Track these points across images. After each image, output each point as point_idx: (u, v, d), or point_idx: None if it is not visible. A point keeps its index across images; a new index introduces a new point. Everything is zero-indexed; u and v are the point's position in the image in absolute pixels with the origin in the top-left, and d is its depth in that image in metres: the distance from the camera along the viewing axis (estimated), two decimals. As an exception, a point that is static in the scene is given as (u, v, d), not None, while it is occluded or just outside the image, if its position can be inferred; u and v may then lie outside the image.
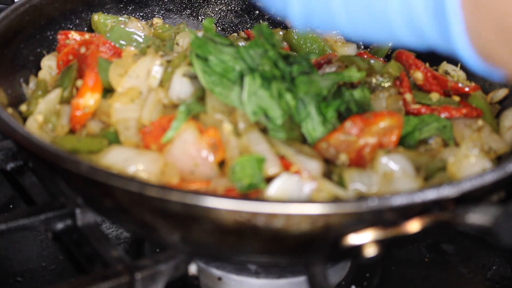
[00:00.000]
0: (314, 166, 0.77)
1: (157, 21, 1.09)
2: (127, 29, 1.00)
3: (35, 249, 0.96)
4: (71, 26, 1.05)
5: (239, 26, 1.19)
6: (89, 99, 0.86)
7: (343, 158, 0.79)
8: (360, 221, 0.66)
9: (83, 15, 1.07)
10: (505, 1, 0.51)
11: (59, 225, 0.76)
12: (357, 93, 0.86)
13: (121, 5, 1.11)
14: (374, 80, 0.91)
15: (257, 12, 1.20)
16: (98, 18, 1.05)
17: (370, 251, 0.65)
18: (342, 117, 0.84)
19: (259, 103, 0.80)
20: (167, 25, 1.07)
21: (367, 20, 0.60)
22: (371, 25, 0.60)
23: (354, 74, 0.87)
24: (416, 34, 0.59)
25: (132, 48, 0.93)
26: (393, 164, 0.78)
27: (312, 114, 0.82)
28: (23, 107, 0.89)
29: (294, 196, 0.74)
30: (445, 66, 1.01)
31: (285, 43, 1.06)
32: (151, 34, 1.04)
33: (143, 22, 1.05)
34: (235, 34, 1.17)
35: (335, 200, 0.73)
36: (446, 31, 0.56)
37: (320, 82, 0.84)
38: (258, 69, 0.82)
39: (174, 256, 0.72)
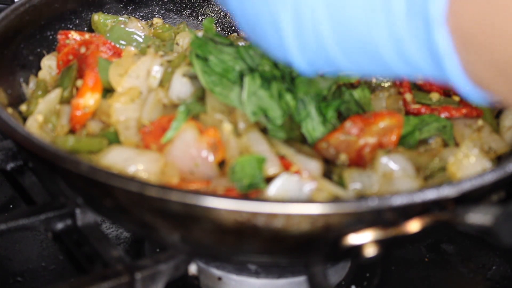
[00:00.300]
0: (314, 166, 0.77)
1: (157, 21, 1.09)
2: (127, 29, 1.00)
3: (35, 249, 0.96)
4: (71, 26, 1.05)
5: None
6: (89, 99, 0.86)
7: (343, 158, 0.79)
8: (360, 221, 0.66)
9: (83, 15, 1.07)
10: (499, 37, 0.51)
11: (59, 225, 0.76)
12: (357, 93, 0.86)
13: (121, 5, 1.11)
14: (374, 80, 0.91)
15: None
16: (98, 18, 1.05)
17: (370, 251, 0.65)
18: (342, 117, 0.84)
19: (259, 103, 0.80)
20: (167, 25, 1.07)
21: (364, 59, 0.60)
22: (369, 64, 0.61)
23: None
24: (412, 68, 0.59)
25: (132, 48, 0.93)
26: (393, 164, 0.78)
27: (312, 114, 0.82)
28: (23, 107, 0.89)
29: (294, 196, 0.74)
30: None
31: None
32: (151, 34, 1.04)
33: (143, 22, 1.05)
34: (235, 34, 1.17)
35: (335, 200, 0.73)
36: (440, 66, 0.56)
37: (320, 82, 0.84)
38: (258, 69, 0.82)
39: (174, 256, 0.72)
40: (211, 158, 0.77)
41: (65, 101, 0.89)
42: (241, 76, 0.82)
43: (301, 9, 0.60)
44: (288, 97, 0.82)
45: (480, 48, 0.53)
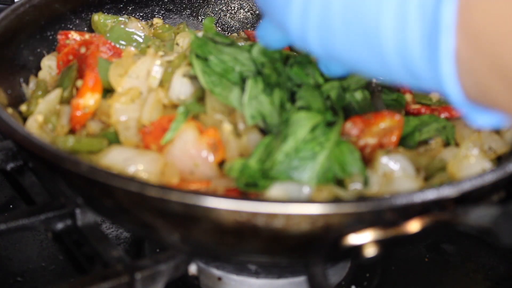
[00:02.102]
0: (314, 166, 0.77)
1: (157, 21, 1.09)
2: (127, 29, 1.00)
3: (35, 249, 0.96)
4: (71, 26, 1.05)
5: (240, 26, 1.19)
6: (89, 99, 0.86)
7: (343, 158, 0.79)
8: (360, 221, 0.66)
9: (83, 15, 1.07)
10: (503, 41, 0.51)
11: (59, 225, 0.76)
12: (358, 95, 0.86)
13: (121, 5, 1.11)
14: (374, 80, 0.91)
15: (257, 12, 1.20)
16: (98, 18, 1.05)
17: (370, 251, 0.65)
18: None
19: (258, 107, 0.80)
20: (167, 25, 1.07)
21: (365, 52, 0.60)
22: (369, 59, 0.61)
23: (360, 81, 0.87)
24: (412, 76, 0.59)
25: (132, 48, 0.93)
26: (393, 164, 0.78)
27: None
28: (23, 107, 0.89)
29: (294, 196, 0.74)
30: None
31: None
32: (151, 34, 1.04)
33: (143, 22, 1.05)
34: (235, 34, 1.17)
35: (335, 200, 0.73)
36: (439, 77, 0.56)
37: (322, 97, 0.82)
38: (263, 72, 0.82)
39: (174, 256, 0.72)
40: (211, 158, 0.77)
41: (65, 101, 0.89)
42: (241, 77, 0.82)
43: None
44: (289, 106, 0.81)
45: (490, 53, 0.53)
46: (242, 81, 0.82)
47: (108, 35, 0.99)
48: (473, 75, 0.54)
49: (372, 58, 0.60)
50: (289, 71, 0.85)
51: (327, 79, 0.84)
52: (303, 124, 0.75)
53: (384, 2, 0.57)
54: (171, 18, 1.16)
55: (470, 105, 0.57)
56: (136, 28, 1.01)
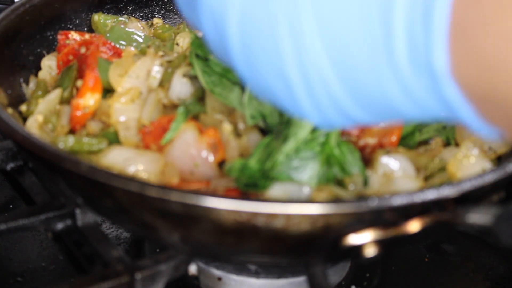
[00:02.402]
0: (314, 166, 0.77)
1: (157, 21, 1.09)
2: (127, 29, 1.00)
3: (35, 249, 0.96)
4: (71, 26, 1.05)
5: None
6: (89, 99, 0.86)
7: (343, 158, 0.79)
8: (360, 221, 0.66)
9: (83, 15, 1.07)
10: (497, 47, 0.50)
11: (59, 225, 0.76)
12: None
13: (121, 5, 1.11)
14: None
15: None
16: (98, 18, 1.05)
17: (370, 251, 0.65)
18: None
19: (259, 108, 0.80)
20: (167, 25, 1.07)
21: (378, 109, 0.59)
22: (384, 113, 0.60)
23: None
24: (428, 114, 0.58)
25: (132, 49, 0.93)
26: (393, 164, 0.78)
27: None
28: (23, 107, 0.89)
29: (294, 196, 0.74)
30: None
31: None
32: (151, 34, 1.04)
33: (143, 22, 1.05)
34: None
35: (335, 200, 0.73)
36: (454, 113, 0.55)
37: None
38: None
39: (174, 256, 0.72)
40: (211, 158, 0.77)
41: (65, 101, 0.89)
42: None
43: (308, 67, 0.58)
44: None
45: (490, 101, 0.52)
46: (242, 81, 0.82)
47: (108, 35, 0.99)
48: (482, 114, 0.54)
49: (384, 110, 0.59)
50: None
51: None
52: (304, 125, 0.75)
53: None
54: (171, 18, 1.16)
55: (478, 118, 0.55)
56: (136, 28, 1.01)
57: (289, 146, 0.74)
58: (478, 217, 0.64)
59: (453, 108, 0.55)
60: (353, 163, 0.76)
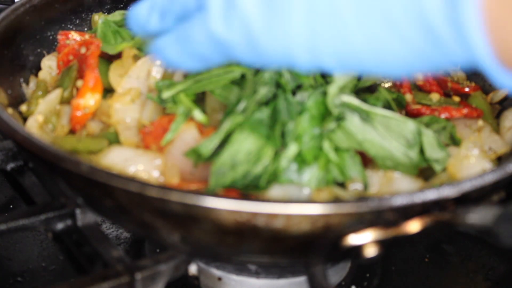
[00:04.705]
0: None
1: (157, 21, 1.09)
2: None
3: (35, 249, 0.96)
4: (71, 26, 1.05)
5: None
6: (89, 100, 0.86)
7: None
8: (360, 221, 0.66)
9: (83, 15, 1.07)
10: None
11: (59, 225, 0.76)
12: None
13: (121, 5, 1.11)
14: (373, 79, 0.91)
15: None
16: (98, 18, 1.05)
17: (370, 251, 0.65)
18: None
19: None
20: (167, 25, 1.07)
21: (386, 35, 0.57)
22: (391, 41, 0.58)
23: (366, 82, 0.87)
24: (433, 44, 0.56)
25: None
26: (393, 164, 0.78)
27: None
28: (23, 107, 0.89)
29: (294, 196, 0.74)
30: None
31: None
32: (151, 34, 1.04)
33: (143, 22, 1.05)
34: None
35: (335, 200, 0.73)
36: (468, 46, 0.54)
37: (323, 100, 0.82)
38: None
39: (174, 256, 0.72)
40: (211, 158, 0.77)
41: (65, 101, 0.89)
42: (242, 76, 0.82)
43: None
44: None
45: None
46: (242, 79, 0.82)
47: (108, 35, 0.99)
48: (501, 30, 0.52)
49: (391, 38, 0.57)
50: (289, 71, 0.85)
51: (327, 79, 0.84)
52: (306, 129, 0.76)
53: None
54: (171, 18, 1.16)
55: (498, 64, 0.54)
56: (136, 28, 1.01)
57: (292, 150, 0.74)
58: (478, 217, 0.64)
59: (477, 56, 0.54)
60: (353, 167, 0.76)
